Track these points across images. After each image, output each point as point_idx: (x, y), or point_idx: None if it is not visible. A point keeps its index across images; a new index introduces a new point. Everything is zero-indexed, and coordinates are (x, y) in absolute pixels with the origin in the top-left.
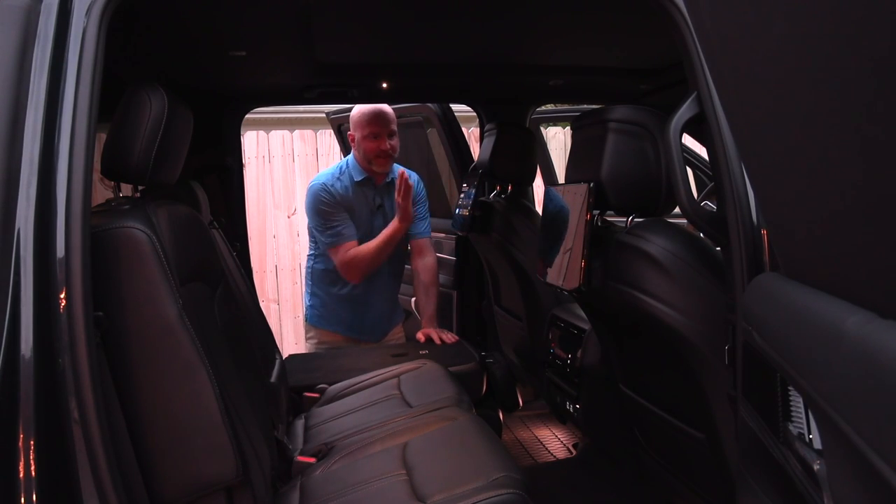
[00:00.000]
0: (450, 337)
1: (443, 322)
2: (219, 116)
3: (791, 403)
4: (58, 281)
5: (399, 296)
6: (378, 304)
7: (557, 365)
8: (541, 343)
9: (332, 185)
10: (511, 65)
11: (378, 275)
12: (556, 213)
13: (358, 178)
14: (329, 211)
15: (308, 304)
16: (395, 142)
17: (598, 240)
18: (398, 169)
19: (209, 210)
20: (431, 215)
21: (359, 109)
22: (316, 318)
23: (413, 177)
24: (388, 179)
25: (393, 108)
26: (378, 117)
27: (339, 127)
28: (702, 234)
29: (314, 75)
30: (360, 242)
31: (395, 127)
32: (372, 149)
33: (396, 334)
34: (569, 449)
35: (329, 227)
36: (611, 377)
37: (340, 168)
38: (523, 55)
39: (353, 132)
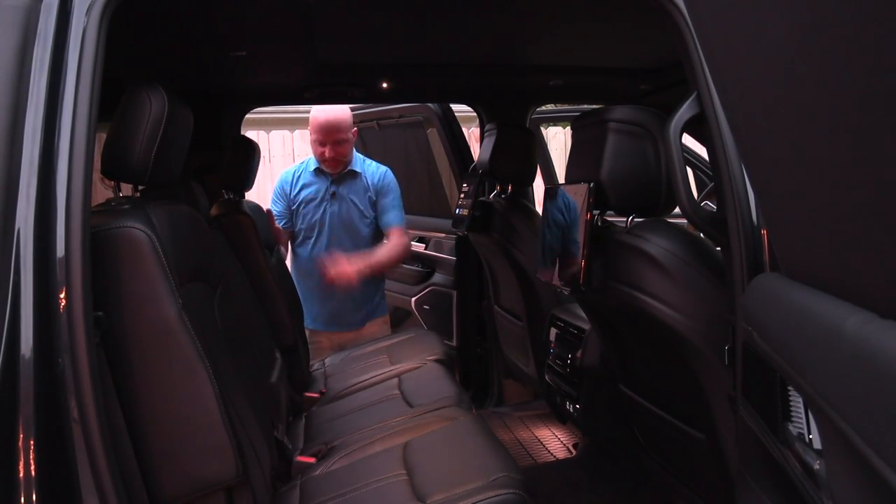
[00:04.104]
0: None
1: (443, 322)
2: (219, 116)
3: (791, 404)
4: (58, 281)
5: (395, 294)
6: (341, 296)
7: (557, 365)
8: (541, 343)
9: (288, 173)
10: (511, 65)
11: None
12: (556, 213)
13: (313, 167)
14: (276, 200)
15: None
16: (343, 148)
17: (598, 240)
18: (363, 162)
19: (209, 210)
20: (431, 215)
21: (314, 112)
22: None
23: (381, 170)
24: (345, 171)
25: (393, 108)
26: (324, 126)
27: None
28: (702, 235)
29: (314, 75)
30: (309, 226)
31: (342, 135)
32: (318, 154)
33: (375, 328)
34: (569, 449)
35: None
36: (611, 377)
37: (306, 160)
38: (523, 55)
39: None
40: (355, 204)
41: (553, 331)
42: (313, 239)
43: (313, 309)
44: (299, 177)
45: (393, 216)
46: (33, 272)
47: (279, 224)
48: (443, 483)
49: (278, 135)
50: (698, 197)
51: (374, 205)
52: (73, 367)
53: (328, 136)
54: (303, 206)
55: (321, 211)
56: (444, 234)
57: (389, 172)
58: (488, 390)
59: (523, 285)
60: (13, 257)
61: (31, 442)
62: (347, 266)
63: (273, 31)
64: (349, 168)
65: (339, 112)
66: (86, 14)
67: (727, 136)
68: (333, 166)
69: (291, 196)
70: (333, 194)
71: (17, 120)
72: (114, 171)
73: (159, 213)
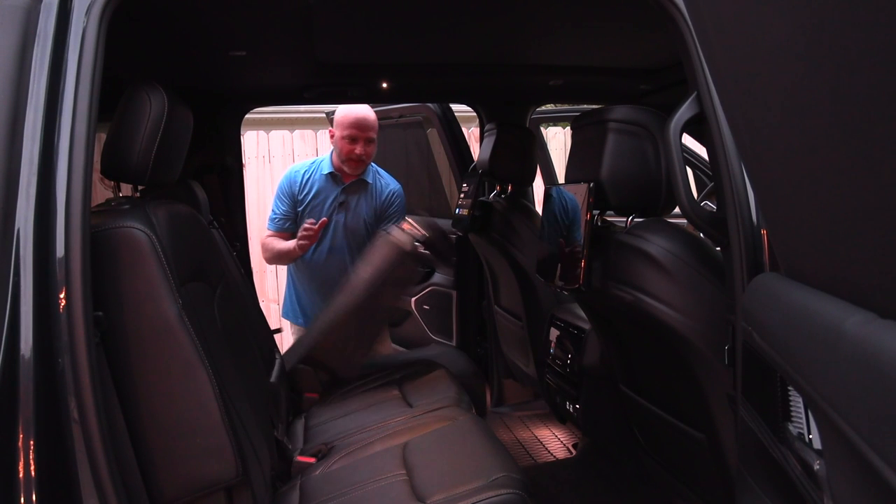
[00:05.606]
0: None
1: (443, 322)
2: (218, 116)
3: (791, 403)
4: (57, 281)
5: None
6: None
7: (557, 365)
8: (541, 343)
9: (298, 174)
10: (511, 65)
11: (342, 273)
12: (556, 213)
13: (326, 171)
14: (281, 198)
15: (285, 296)
16: (371, 148)
17: (598, 240)
18: (376, 173)
19: (209, 210)
20: (431, 215)
21: (344, 109)
22: (287, 311)
23: (391, 186)
24: (357, 178)
25: (393, 108)
26: (358, 122)
27: None
28: (702, 235)
29: (314, 75)
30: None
31: (373, 134)
32: (346, 151)
33: None
34: (569, 449)
35: (274, 211)
36: (611, 377)
37: (317, 160)
38: (523, 55)
39: (334, 130)
40: (361, 215)
41: (553, 331)
42: (316, 244)
43: (313, 310)
44: (308, 178)
45: None
46: (33, 272)
47: (283, 226)
48: (443, 483)
49: (278, 135)
50: (698, 197)
51: (377, 219)
52: (73, 367)
53: (363, 131)
54: (309, 209)
55: (326, 216)
56: None
57: (400, 192)
58: (488, 390)
59: (523, 285)
60: (13, 257)
61: (31, 442)
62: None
63: (273, 31)
64: (360, 177)
65: (370, 111)
66: (86, 14)
67: (727, 136)
68: (356, 167)
69: (299, 198)
70: (342, 203)
71: (17, 120)
72: (114, 171)
73: (159, 214)
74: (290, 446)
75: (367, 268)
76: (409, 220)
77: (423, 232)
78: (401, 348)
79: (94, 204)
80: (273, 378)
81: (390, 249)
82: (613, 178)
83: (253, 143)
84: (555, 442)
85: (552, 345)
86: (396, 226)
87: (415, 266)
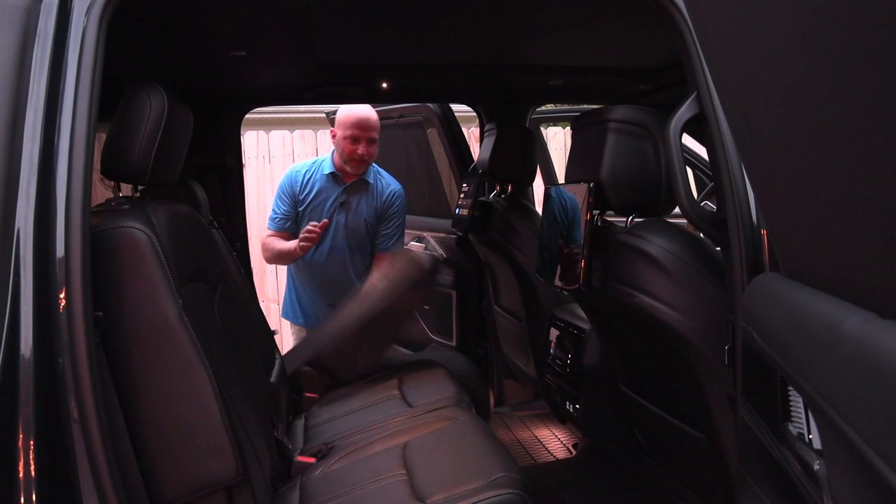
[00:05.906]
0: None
1: (442, 322)
2: (218, 116)
3: (791, 403)
4: (57, 281)
5: None
6: (339, 297)
7: (557, 365)
8: (541, 343)
9: (299, 173)
10: (511, 65)
11: (343, 273)
12: (556, 213)
13: (327, 171)
14: (282, 197)
15: (285, 296)
16: (374, 149)
17: (598, 240)
18: (377, 173)
19: (209, 210)
20: (431, 215)
21: (346, 109)
22: (287, 312)
23: (392, 187)
24: (358, 178)
25: (393, 108)
26: (360, 122)
27: None
28: (702, 235)
29: (314, 75)
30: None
31: (375, 135)
32: (349, 151)
33: None
34: (569, 449)
35: (274, 210)
36: (611, 377)
37: (318, 160)
38: (523, 55)
39: (336, 130)
40: (362, 215)
41: (553, 331)
42: (316, 244)
43: (313, 310)
44: (310, 178)
45: (391, 243)
46: (33, 272)
47: (284, 226)
48: (443, 483)
49: (278, 135)
50: (698, 197)
51: (378, 219)
52: (73, 367)
53: (366, 132)
54: (309, 209)
55: (328, 216)
56: (444, 234)
57: (400, 192)
58: (492, 393)
59: (523, 285)
60: (13, 257)
61: (31, 442)
62: None
63: (273, 31)
64: (361, 177)
65: (372, 111)
66: (86, 14)
67: (727, 136)
68: (358, 167)
69: (300, 197)
70: (343, 203)
71: (17, 120)
72: (114, 171)
73: (159, 214)
74: (290, 446)
75: (384, 281)
76: (431, 239)
77: (443, 253)
78: (401, 348)
79: (94, 204)
80: (273, 378)
81: (412, 268)
82: (613, 178)
83: (253, 143)
84: (555, 442)
85: (552, 345)
86: (418, 243)
87: (431, 287)
